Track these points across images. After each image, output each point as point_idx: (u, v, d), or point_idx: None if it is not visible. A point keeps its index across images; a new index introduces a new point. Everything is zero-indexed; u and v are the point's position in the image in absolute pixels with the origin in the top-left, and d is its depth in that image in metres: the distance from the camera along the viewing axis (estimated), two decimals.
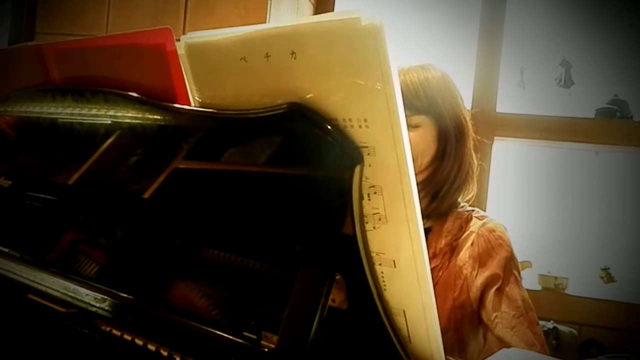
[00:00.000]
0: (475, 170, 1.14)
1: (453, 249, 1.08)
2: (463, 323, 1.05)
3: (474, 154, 1.14)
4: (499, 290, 1.03)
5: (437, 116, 1.07)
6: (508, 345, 1.00)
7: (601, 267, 2.23)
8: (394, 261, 0.53)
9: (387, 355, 0.57)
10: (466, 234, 1.09)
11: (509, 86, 2.33)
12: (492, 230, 1.08)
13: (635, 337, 2.00)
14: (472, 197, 1.15)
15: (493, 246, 1.06)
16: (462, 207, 1.14)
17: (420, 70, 1.09)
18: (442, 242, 1.08)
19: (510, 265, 1.05)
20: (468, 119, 1.12)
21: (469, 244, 1.07)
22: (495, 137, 2.28)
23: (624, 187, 2.26)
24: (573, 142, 2.22)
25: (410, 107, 1.05)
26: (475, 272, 1.05)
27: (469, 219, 1.11)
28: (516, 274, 1.06)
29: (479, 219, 1.11)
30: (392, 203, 0.52)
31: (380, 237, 0.53)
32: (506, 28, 2.28)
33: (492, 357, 0.72)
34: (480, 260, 1.05)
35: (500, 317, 1.02)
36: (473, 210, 1.13)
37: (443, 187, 1.09)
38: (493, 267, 1.04)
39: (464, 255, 1.07)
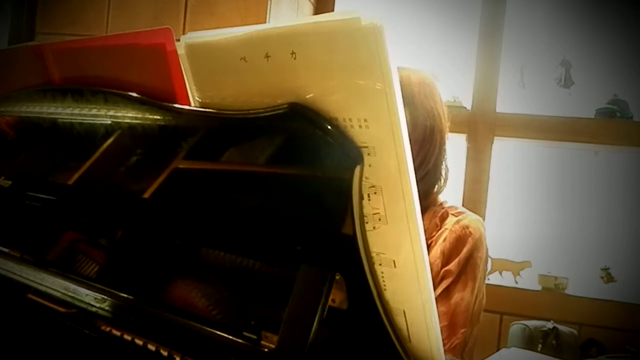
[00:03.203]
0: (446, 169, 1.14)
1: (428, 247, 1.09)
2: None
3: (446, 155, 1.14)
4: (445, 287, 1.05)
5: (409, 103, 1.08)
6: None
7: (601, 267, 2.23)
8: (394, 261, 0.53)
9: (387, 355, 0.57)
10: (440, 231, 1.10)
11: (509, 86, 2.34)
12: (465, 227, 1.09)
13: (635, 337, 2.00)
14: (440, 190, 1.15)
15: (461, 242, 1.07)
16: (440, 204, 1.14)
17: (403, 68, 1.12)
18: None
19: (469, 264, 1.06)
20: (444, 116, 1.13)
21: (441, 240, 1.08)
22: (495, 137, 2.28)
23: (624, 187, 2.26)
24: (573, 142, 2.23)
25: None
26: (442, 267, 1.06)
27: (444, 217, 1.11)
28: (472, 274, 1.06)
29: (454, 215, 1.11)
30: (392, 203, 0.52)
31: (380, 237, 0.53)
32: (506, 28, 2.28)
33: (492, 357, 0.72)
34: (449, 255, 1.07)
35: None
36: (450, 208, 1.13)
37: None
38: (452, 263, 1.06)
39: (436, 252, 1.08)
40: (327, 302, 0.53)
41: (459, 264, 1.06)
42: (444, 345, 1.00)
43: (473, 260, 1.07)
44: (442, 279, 1.05)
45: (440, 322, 1.01)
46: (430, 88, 1.13)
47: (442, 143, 1.13)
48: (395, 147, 0.50)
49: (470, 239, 1.07)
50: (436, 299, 1.04)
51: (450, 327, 1.03)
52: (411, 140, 1.08)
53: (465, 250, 1.06)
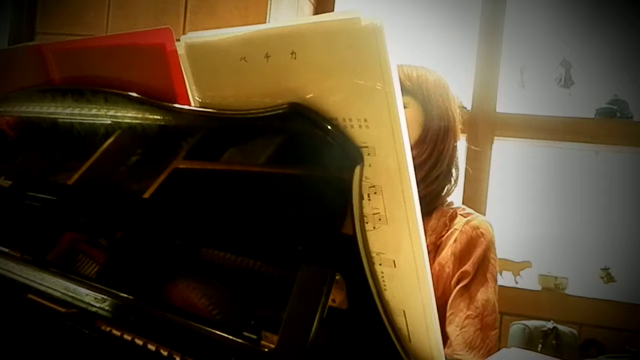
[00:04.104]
0: (457, 171, 1.14)
1: (437, 247, 1.08)
2: None
3: (457, 158, 1.14)
4: (464, 288, 1.03)
5: (425, 102, 1.08)
6: (450, 344, 1.00)
7: (601, 267, 2.23)
8: (394, 261, 0.53)
9: (387, 355, 0.57)
10: (450, 231, 1.09)
11: (509, 86, 2.33)
12: (475, 228, 1.08)
13: (635, 337, 2.00)
14: (450, 191, 1.15)
15: (474, 244, 1.06)
16: (448, 204, 1.14)
17: (419, 67, 1.12)
18: (427, 240, 1.07)
19: (484, 265, 1.05)
20: (457, 118, 1.13)
21: (451, 241, 1.07)
22: (495, 137, 2.28)
23: (624, 187, 2.26)
24: (573, 142, 2.22)
25: (400, 87, 1.07)
26: (455, 269, 1.05)
27: (453, 217, 1.11)
28: (489, 274, 1.05)
29: (463, 216, 1.10)
30: (392, 203, 0.52)
31: (380, 237, 0.53)
32: (506, 28, 2.28)
33: (492, 357, 0.72)
34: (461, 257, 1.06)
35: (454, 314, 1.02)
36: (458, 208, 1.13)
37: (418, 174, 1.08)
38: (467, 264, 1.04)
39: (447, 253, 1.06)
40: (327, 302, 0.53)
41: (476, 265, 1.04)
42: (479, 350, 0.99)
43: (487, 260, 1.06)
44: (459, 281, 1.04)
45: (473, 326, 1.00)
46: (445, 89, 1.12)
47: (455, 144, 1.12)
48: (395, 147, 0.50)
49: (482, 239, 1.06)
50: (460, 303, 1.02)
51: (482, 330, 1.01)
52: (425, 141, 1.08)
53: (480, 250, 1.05)
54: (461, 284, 1.04)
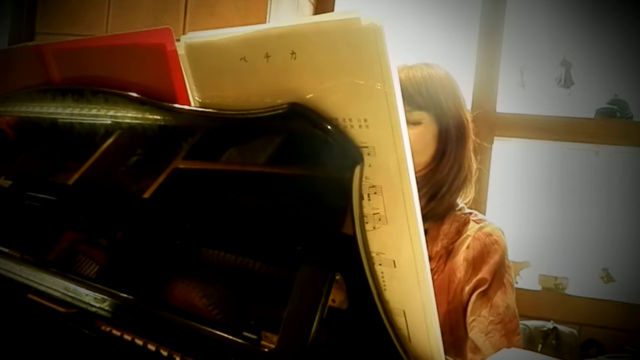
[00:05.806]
0: (474, 173, 1.12)
1: (449, 252, 1.07)
2: (458, 326, 1.04)
3: (473, 157, 1.13)
4: (483, 294, 1.02)
5: (438, 114, 1.06)
6: (479, 349, 1.00)
7: (601, 267, 2.23)
8: (394, 261, 0.53)
9: (387, 355, 0.57)
10: (462, 237, 1.07)
11: (509, 86, 2.33)
12: (488, 235, 1.06)
13: (635, 337, 2.00)
14: (470, 200, 1.14)
15: (488, 250, 1.05)
16: (460, 209, 1.12)
17: (424, 67, 1.08)
18: (439, 245, 1.07)
19: (501, 272, 1.04)
20: (469, 120, 1.11)
21: (464, 247, 1.06)
22: (495, 137, 2.28)
23: (624, 187, 2.26)
24: (573, 142, 2.22)
25: (412, 102, 1.05)
26: (468, 275, 1.04)
27: (466, 222, 1.09)
28: (506, 281, 1.04)
29: (476, 222, 1.09)
30: (392, 203, 0.52)
31: (380, 237, 0.53)
32: (506, 28, 2.28)
33: (492, 357, 0.72)
34: (474, 264, 1.04)
35: (477, 321, 1.01)
36: (471, 213, 1.12)
37: (442, 188, 1.07)
38: (483, 271, 1.03)
39: (459, 258, 1.05)
40: (327, 302, 0.53)
41: (492, 272, 1.03)
42: None
43: (504, 267, 1.05)
44: (476, 287, 1.03)
45: (497, 332, 1.00)
46: (454, 90, 1.09)
47: (470, 148, 1.11)
48: (395, 147, 0.50)
49: (497, 247, 1.05)
50: (482, 309, 1.02)
51: (506, 336, 1.00)
52: (445, 154, 1.06)
53: (496, 258, 1.04)
54: (478, 291, 1.02)
